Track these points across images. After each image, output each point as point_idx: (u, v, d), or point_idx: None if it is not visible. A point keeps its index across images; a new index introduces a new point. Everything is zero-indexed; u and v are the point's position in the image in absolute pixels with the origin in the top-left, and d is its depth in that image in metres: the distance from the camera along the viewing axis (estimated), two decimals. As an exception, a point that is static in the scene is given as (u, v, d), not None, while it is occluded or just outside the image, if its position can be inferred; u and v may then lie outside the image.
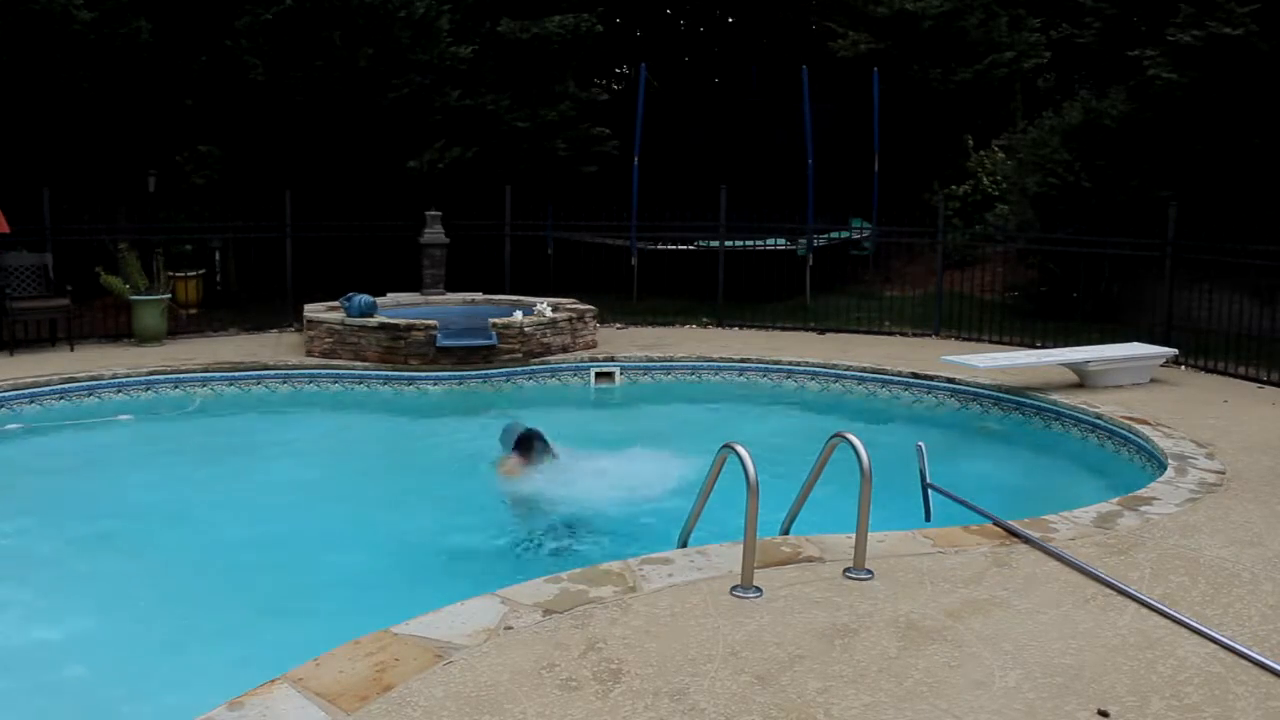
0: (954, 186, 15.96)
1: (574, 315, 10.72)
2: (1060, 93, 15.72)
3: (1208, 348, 9.71)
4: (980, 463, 7.82)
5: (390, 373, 9.73)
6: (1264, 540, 4.92)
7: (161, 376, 9.33)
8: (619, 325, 12.54)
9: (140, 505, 6.68)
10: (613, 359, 10.38)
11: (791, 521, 5.16)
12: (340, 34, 12.69)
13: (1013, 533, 4.90)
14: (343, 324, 10.06)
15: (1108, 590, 4.22)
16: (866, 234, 15.20)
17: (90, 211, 12.24)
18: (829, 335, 12.08)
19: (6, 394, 8.55)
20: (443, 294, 12.13)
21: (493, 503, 7.08)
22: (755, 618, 3.86)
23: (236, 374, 9.59)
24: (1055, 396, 8.43)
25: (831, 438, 4.58)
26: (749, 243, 14.05)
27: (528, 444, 7.46)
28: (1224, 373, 9.43)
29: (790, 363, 10.20)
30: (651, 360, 10.40)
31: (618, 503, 6.84)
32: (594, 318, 11.09)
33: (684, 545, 4.81)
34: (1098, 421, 7.82)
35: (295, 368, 9.85)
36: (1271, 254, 9.29)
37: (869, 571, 4.32)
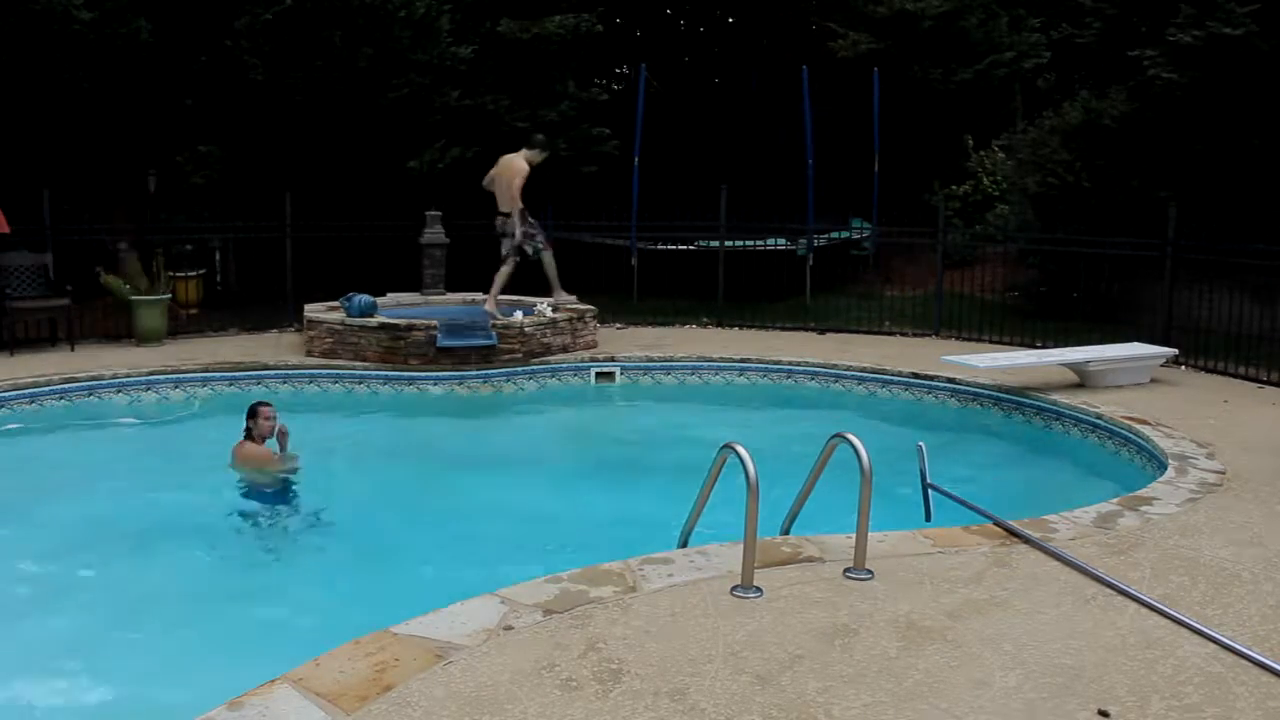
0: (954, 186, 15.95)
1: (574, 315, 10.72)
2: (1060, 93, 15.70)
3: (1208, 348, 9.70)
4: (980, 463, 7.82)
5: (390, 373, 9.73)
6: (1264, 540, 4.93)
7: (162, 377, 9.33)
8: (619, 325, 12.53)
9: (140, 505, 6.68)
10: (613, 359, 10.38)
11: (791, 521, 5.16)
12: (340, 34, 12.69)
13: (1013, 533, 4.90)
14: (343, 324, 10.06)
15: (1108, 590, 4.22)
16: (866, 234, 15.19)
17: (90, 211, 12.23)
18: (829, 335, 12.08)
19: (6, 394, 8.55)
20: (443, 294, 12.13)
21: (496, 502, 7.08)
22: (755, 618, 3.86)
23: (237, 374, 9.59)
24: (1055, 396, 8.44)
25: (831, 438, 4.58)
26: (749, 243, 14.04)
27: (257, 420, 7.05)
28: (1224, 373, 9.43)
29: (790, 363, 10.20)
30: (651, 360, 10.40)
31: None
32: (594, 318, 11.09)
33: (684, 545, 4.81)
34: (1098, 421, 7.82)
35: (296, 368, 9.85)
36: (1271, 254, 9.29)
37: (869, 571, 4.32)
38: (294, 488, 6.97)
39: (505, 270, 10.58)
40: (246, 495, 6.79)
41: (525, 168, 10.41)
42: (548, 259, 10.66)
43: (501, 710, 3.13)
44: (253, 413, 7.07)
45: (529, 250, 10.54)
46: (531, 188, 14.05)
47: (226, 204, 13.34)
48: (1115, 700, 3.30)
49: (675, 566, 4.35)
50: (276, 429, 7.04)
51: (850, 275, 15.12)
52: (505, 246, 10.54)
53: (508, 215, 10.44)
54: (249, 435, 7.06)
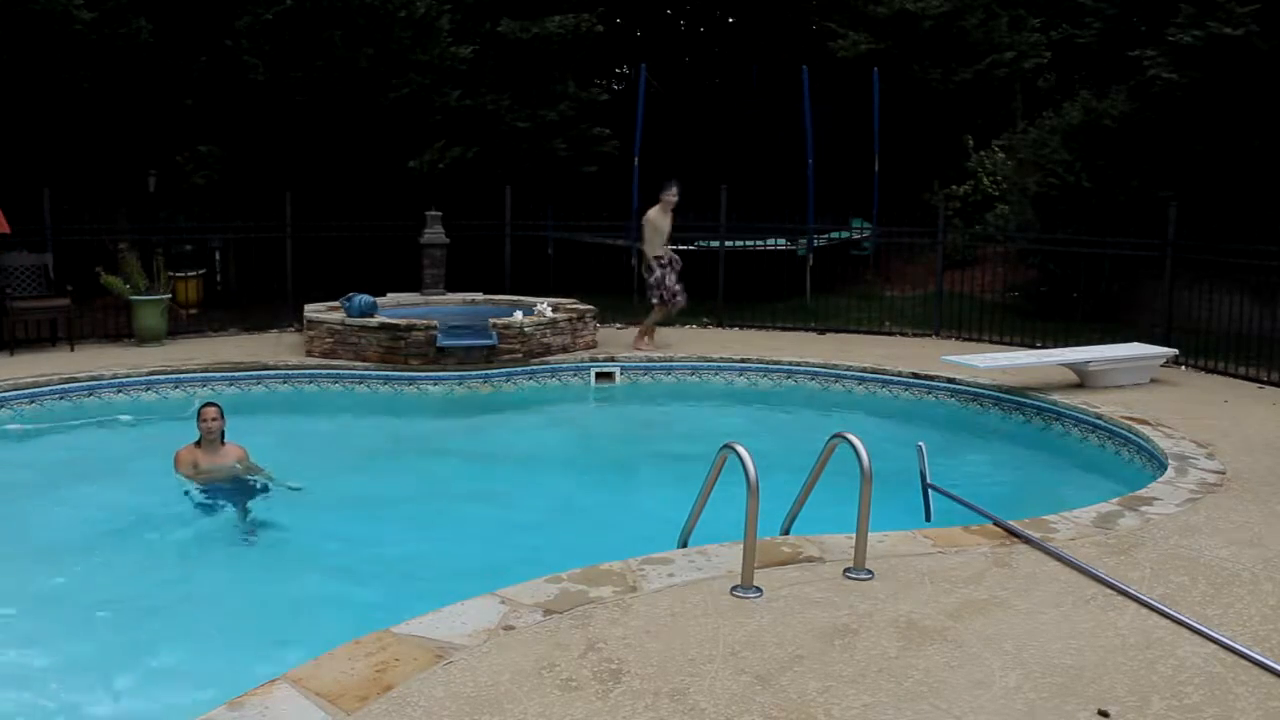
0: (954, 186, 15.96)
1: (574, 315, 10.72)
2: (1060, 93, 15.71)
3: (1208, 348, 9.71)
4: (980, 463, 7.82)
5: (390, 373, 9.73)
6: (1264, 540, 4.92)
7: (162, 377, 9.33)
8: (619, 325, 12.53)
9: (140, 504, 6.68)
10: (613, 359, 10.38)
11: (791, 521, 5.16)
12: (340, 34, 12.70)
13: (1013, 533, 4.90)
14: (343, 324, 10.06)
15: (1108, 590, 4.22)
16: (866, 234, 15.20)
17: (90, 211, 12.24)
18: (829, 335, 12.08)
19: (6, 394, 8.55)
20: (443, 294, 12.13)
21: (496, 502, 7.08)
22: (755, 618, 3.86)
23: (237, 374, 9.59)
24: (1055, 396, 8.43)
25: (831, 438, 4.58)
26: (749, 243, 14.03)
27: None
28: (1224, 373, 9.43)
29: (790, 363, 10.20)
30: (651, 360, 10.40)
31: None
32: (594, 318, 11.09)
33: (684, 545, 4.81)
34: (1098, 421, 7.82)
35: (296, 368, 9.85)
36: (1271, 254, 9.29)
37: (869, 571, 4.31)
38: (260, 488, 6.89)
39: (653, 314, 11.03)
40: (237, 496, 6.75)
41: (651, 215, 10.84)
42: (659, 313, 10.95)
43: (501, 710, 3.13)
44: (197, 413, 6.91)
45: (664, 297, 10.88)
46: (532, 187, 14.11)
47: (226, 204, 13.34)
48: (1115, 700, 3.30)
49: (675, 566, 4.35)
50: (220, 429, 6.88)
51: (850, 275, 15.12)
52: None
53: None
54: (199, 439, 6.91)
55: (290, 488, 6.90)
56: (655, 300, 10.88)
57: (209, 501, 6.66)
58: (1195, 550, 4.76)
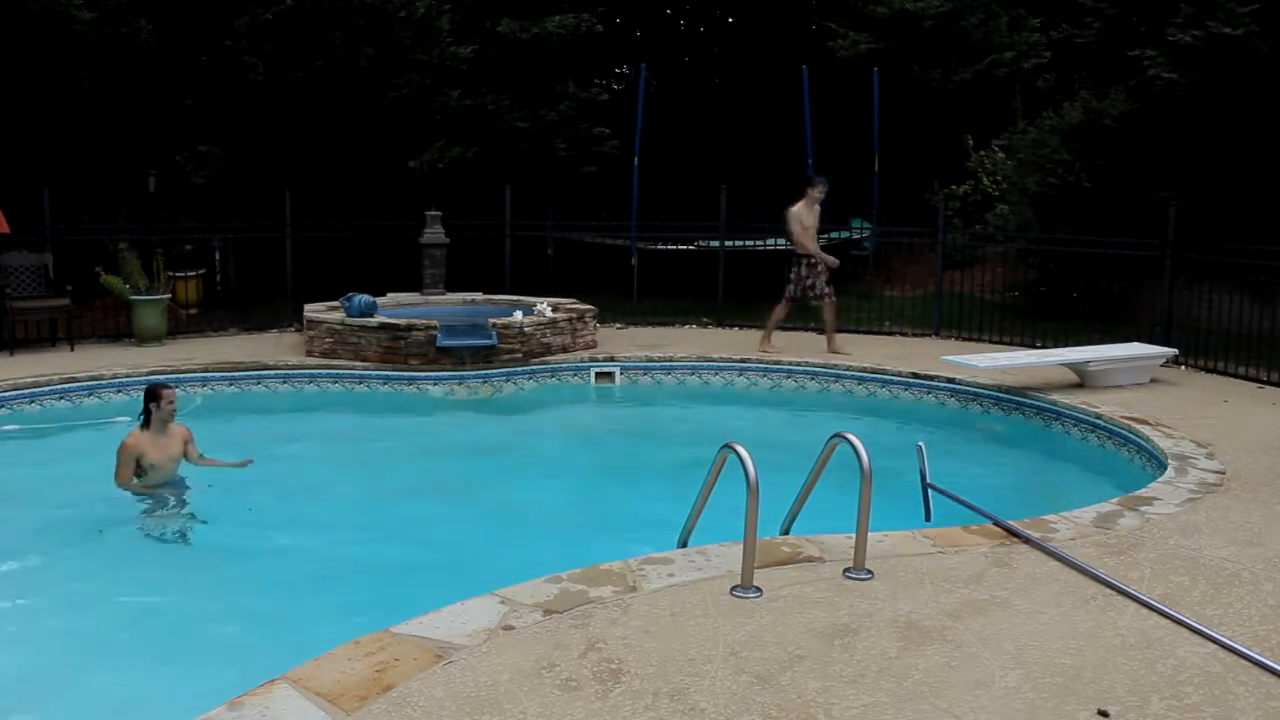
0: (954, 186, 15.95)
1: (574, 315, 10.72)
2: (1060, 93, 15.70)
3: (1208, 348, 9.71)
4: (980, 462, 7.82)
5: (390, 373, 9.73)
6: (1264, 540, 4.92)
7: (162, 376, 9.31)
8: (619, 325, 12.53)
9: (139, 504, 6.67)
10: (613, 359, 10.38)
11: (791, 521, 5.16)
12: (340, 34, 12.70)
13: (1013, 533, 4.90)
14: (343, 324, 10.06)
15: (1108, 590, 4.22)
16: (866, 234, 15.20)
17: (90, 211, 12.23)
18: (829, 335, 12.07)
19: (6, 394, 8.55)
20: (443, 294, 12.14)
21: (495, 502, 7.08)
22: (755, 618, 3.86)
23: (237, 374, 9.60)
24: (1055, 396, 8.44)
25: (831, 438, 4.58)
26: (749, 243, 14.04)
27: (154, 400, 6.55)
28: (1224, 373, 9.43)
29: (790, 363, 10.20)
30: (651, 360, 10.40)
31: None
32: (594, 318, 11.09)
33: (684, 545, 4.81)
34: (1098, 421, 7.82)
35: (295, 368, 9.85)
36: (1271, 254, 9.29)
37: (869, 571, 4.31)
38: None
39: (779, 309, 10.94)
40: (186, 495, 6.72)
41: (795, 210, 10.54)
42: (827, 312, 10.79)
43: (501, 710, 3.13)
44: (155, 395, 6.58)
45: (808, 297, 10.85)
46: (532, 187, 14.11)
47: (226, 204, 13.34)
48: (1115, 700, 3.30)
49: (675, 566, 4.35)
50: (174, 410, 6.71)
51: (850, 275, 15.11)
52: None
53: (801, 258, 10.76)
54: (147, 422, 6.60)
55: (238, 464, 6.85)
56: (825, 299, 10.70)
57: (189, 501, 6.64)
58: (1195, 550, 4.76)
